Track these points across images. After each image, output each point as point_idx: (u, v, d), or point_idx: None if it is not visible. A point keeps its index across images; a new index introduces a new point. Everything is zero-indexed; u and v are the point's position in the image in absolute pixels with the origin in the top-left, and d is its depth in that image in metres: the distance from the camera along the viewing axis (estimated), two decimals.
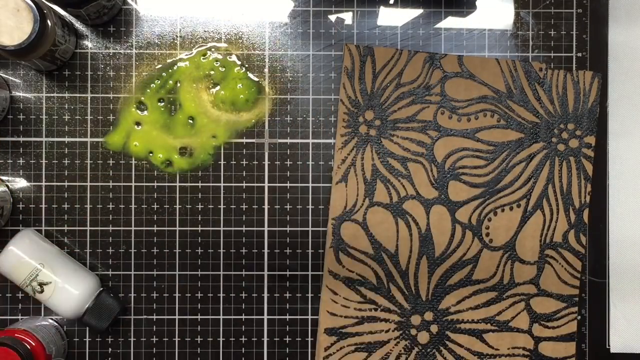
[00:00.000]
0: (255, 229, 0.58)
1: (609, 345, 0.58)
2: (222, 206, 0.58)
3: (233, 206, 0.58)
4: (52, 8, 0.54)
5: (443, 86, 0.57)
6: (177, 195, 0.58)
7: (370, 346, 0.57)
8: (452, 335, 0.58)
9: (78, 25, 0.57)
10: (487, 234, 0.57)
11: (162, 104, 0.57)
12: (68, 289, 0.54)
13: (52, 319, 0.57)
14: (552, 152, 0.58)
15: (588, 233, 0.58)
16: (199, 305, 0.58)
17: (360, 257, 0.57)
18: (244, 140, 0.58)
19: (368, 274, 0.57)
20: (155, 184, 0.57)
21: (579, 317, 0.58)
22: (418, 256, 0.57)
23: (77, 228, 0.57)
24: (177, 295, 0.58)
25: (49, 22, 0.51)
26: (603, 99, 0.58)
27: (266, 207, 0.58)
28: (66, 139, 0.57)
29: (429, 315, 0.58)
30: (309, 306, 0.58)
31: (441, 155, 0.58)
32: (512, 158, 0.58)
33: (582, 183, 0.58)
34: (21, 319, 0.57)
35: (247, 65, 0.58)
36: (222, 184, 0.57)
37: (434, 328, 0.58)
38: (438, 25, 0.58)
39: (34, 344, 0.51)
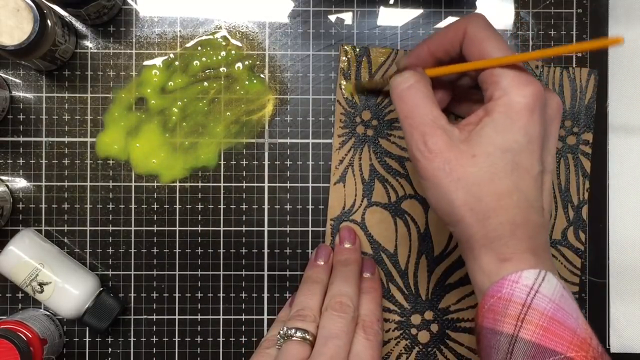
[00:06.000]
0: (255, 229, 0.58)
1: (609, 345, 0.58)
2: (222, 206, 0.58)
3: (233, 206, 0.58)
4: (52, 8, 0.54)
5: None
6: (177, 195, 0.58)
7: None
8: (452, 334, 0.58)
9: (78, 25, 0.57)
10: None
11: (162, 104, 0.57)
12: (68, 289, 0.54)
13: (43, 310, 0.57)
14: None
15: (588, 233, 0.58)
16: (199, 305, 0.58)
17: None
18: (244, 140, 0.58)
19: None
20: (155, 184, 0.57)
21: None
22: (417, 255, 0.57)
23: (77, 228, 0.57)
24: (177, 295, 0.58)
25: (49, 22, 0.51)
26: (603, 98, 0.58)
27: (266, 207, 0.58)
28: (66, 139, 0.57)
29: (429, 315, 0.58)
30: None
31: None
32: None
33: (580, 180, 0.58)
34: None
35: (253, 65, 0.58)
36: (222, 184, 0.57)
37: (434, 327, 0.58)
38: (438, 25, 0.58)
39: (29, 334, 0.51)
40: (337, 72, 0.58)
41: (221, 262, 0.58)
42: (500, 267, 0.43)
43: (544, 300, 0.41)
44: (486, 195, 0.42)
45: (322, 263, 0.55)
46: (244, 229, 0.58)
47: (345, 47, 0.57)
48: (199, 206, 0.58)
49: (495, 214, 0.42)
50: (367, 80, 0.57)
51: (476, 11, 0.58)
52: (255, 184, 0.58)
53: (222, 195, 0.58)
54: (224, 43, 0.58)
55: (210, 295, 0.58)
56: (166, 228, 0.58)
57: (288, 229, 0.58)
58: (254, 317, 0.58)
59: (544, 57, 0.49)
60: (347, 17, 0.58)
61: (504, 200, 0.42)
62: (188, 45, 0.57)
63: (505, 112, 0.42)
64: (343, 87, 0.57)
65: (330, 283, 0.52)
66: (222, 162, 0.58)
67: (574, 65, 0.58)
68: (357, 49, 0.57)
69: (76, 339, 0.57)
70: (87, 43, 0.57)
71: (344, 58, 0.57)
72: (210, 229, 0.58)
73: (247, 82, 0.57)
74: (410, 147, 0.44)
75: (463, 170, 0.42)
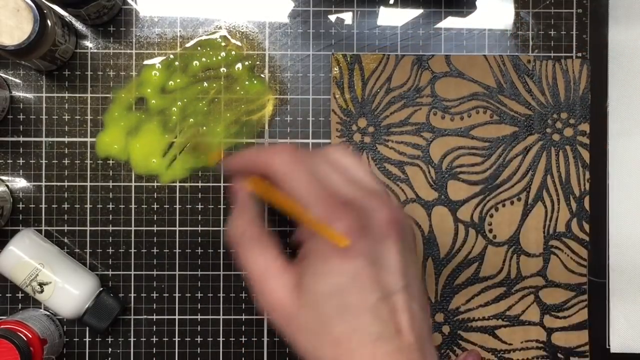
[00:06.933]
0: None
1: (609, 345, 0.58)
2: (222, 206, 0.57)
3: (233, 206, 0.57)
4: (52, 8, 0.54)
5: (433, 87, 0.57)
6: (177, 195, 0.58)
7: None
8: (464, 334, 0.58)
9: (78, 25, 0.57)
10: (491, 230, 0.57)
11: (162, 104, 0.57)
12: (68, 289, 0.54)
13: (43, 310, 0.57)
14: (548, 142, 0.58)
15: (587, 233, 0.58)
16: (199, 305, 0.58)
17: None
18: (244, 140, 0.58)
19: None
20: (155, 184, 0.57)
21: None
22: (423, 259, 0.57)
23: (77, 228, 0.57)
24: (177, 295, 0.58)
25: (49, 22, 0.51)
26: (603, 98, 0.58)
27: (266, 207, 0.58)
28: (66, 139, 0.57)
29: (439, 317, 0.58)
30: None
31: (437, 156, 0.58)
32: (509, 152, 0.58)
33: (580, 171, 0.58)
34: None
35: (253, 65, 0.58)
36: (222, 184, 0.57)
37: (445, 329, 0.58)
38: (438, 25, 0.58)
39: (29, 335, 0.51)
40: None
41: (221, 262, 0.58)
42: None
43: None
44: (324, 344, 0.39)
45: None
46: None
47: (337, 56, 0.57)
48: (199, 206, 0.58)
49: None
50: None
51: (476, 11, 0.58)
52: None
53: (222, 195, 0.57)
54: (223, 43, 0.58)
55: (210, 295, 0.58)
56: (166, 228, 0.58)
57: (288, 228, 0.58)
58: (254, 317, 0.58)
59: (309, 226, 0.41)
60: (347, 17, 0.58)
61: (343, 345, 0.38)
62: (188, 45, 0.57)
63: (316, 257, 0.39)
64: (337, 105, 0.57)
65: None
66: (222, 162, 0.58)
67: (575, 59, 0.58)
68: (349, 57, 0.57)
69: (76, 339, 0.57)
70: (87, 43, 0.57)
71: (335, 68, 0.57)
72: (210, 229, 0.58)
73: (247, 82, 0.57)
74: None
75: (298, 322, 0.40)
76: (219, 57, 0.57)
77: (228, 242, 0.43)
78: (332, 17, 0.58)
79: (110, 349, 0.57)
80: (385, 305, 0.39)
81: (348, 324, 0.38)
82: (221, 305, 0.58)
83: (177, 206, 0.58)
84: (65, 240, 0.57)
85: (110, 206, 0.57)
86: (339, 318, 0.38)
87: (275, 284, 0.41)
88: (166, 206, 0.58)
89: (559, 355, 0.58)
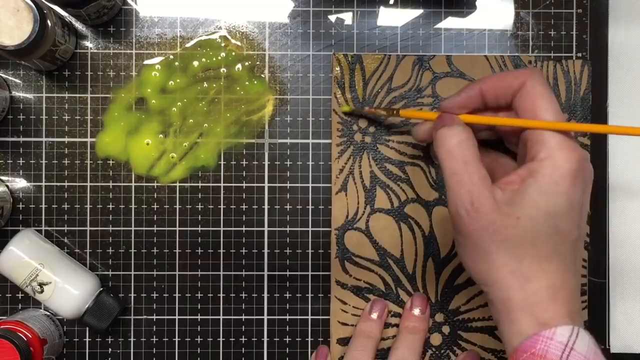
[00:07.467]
0: (255, 229, 0.58)
1: (609, 346, 0.58)
2: (222, 206, 0.58)
3: (233, 206, 0.58)
4: (52, 8, 0.54)
5: (434, 87, 0.57)
6: (177, 195, 0.58)
7: (383, 352, 0.57)
8: (464, 334, 0.58)
9: (78, 25, 0.57)
10: None
11: (163, 104, 0.57)
12: (68, 289, 0.54)
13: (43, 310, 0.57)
14: None
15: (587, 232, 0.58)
16: (199, 305, 0.58)
17: (366, 264, 0.57)
18: (244, 140, 0.58)
19: (375, 281, 0.57)
20: (155, 184, 0.57)
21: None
22: (424, 259, 0.57)
23: (77, 228, 0.57)
24: (177, 295, 0.58)
25: (49, 22, 0.51)
26: (603, 99, 0.58)
27: (266, 207, 0.58)
28: (66, 139, 0.57)
29: (439, 317, 0.58)
30: (309, 306, 0.58)
31: None
32: (509, 152, 0.57)
33: None
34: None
35: (253, 65, 0.58)
36: (222, 184, 0.57)
37: (445, 329, 0.58)
38: (438, 26, 0.58)
39: (29, 335, 0.51)
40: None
41: (221, 262, 0.58)
42: (539, 332, 0.42)
43: (579, 358, 0.40)
44: (528, 258, 0.42)
45: (376, 317, 0.56)
46: (244, 229, 0.58)
47: (338, 55, 0.57)
48: (199, 206, 0.58)
49: (536, 278, 0.42)
50: (369, 109, 0.56)
51: (476, 11, 0.58)
52: (255, 184, 0.58)
53: (222, 195, 0.58)
54: (223, 43, 0.58)
55: (210, 295, 0.58)
56: (166, 228, 0.58)
57: (288, 229, 0.58)
58: (254, 317, 0.58)
59: (594, 132, 0.47)
60: (347, 17, 0.58)
61: (544, 264, 0.42)
62: (188, 45, 0.57)
63: (551, 175, 0.42)
64: (338, 104, 0.57)
65: (394, 347, 0.55)
66: (222, 162, 0.58)
67: (574, 59, 0.58)
68: (350, 57, 0.57)
69: (76, 339, 0.57)
70: (87, 43, 0.57)
71: (337, 68, 0.57)
72: (210, 229, 0.58)
73: (247, 83, 0.57)
74: (454, 204, 0.44)
75: (507, 232, 0.42)
76: (219, 58, 0.57)
77: (442, 145, 0.45)
78: (332, 17, 0.58)
79: (110, 349, 0.57)
80: (576, 245, 0.44)
81: (553, 246, 0.42)
82: (221, 305, 0.58)
83: (177, 206, 0.58)
84: (65, 240, 0.57)
85: (110, 206, 0.57)
86: (548, 238, 0.42)
87: (490, 193, 0.43)
88: (166, 206, 0.58)
89: None
